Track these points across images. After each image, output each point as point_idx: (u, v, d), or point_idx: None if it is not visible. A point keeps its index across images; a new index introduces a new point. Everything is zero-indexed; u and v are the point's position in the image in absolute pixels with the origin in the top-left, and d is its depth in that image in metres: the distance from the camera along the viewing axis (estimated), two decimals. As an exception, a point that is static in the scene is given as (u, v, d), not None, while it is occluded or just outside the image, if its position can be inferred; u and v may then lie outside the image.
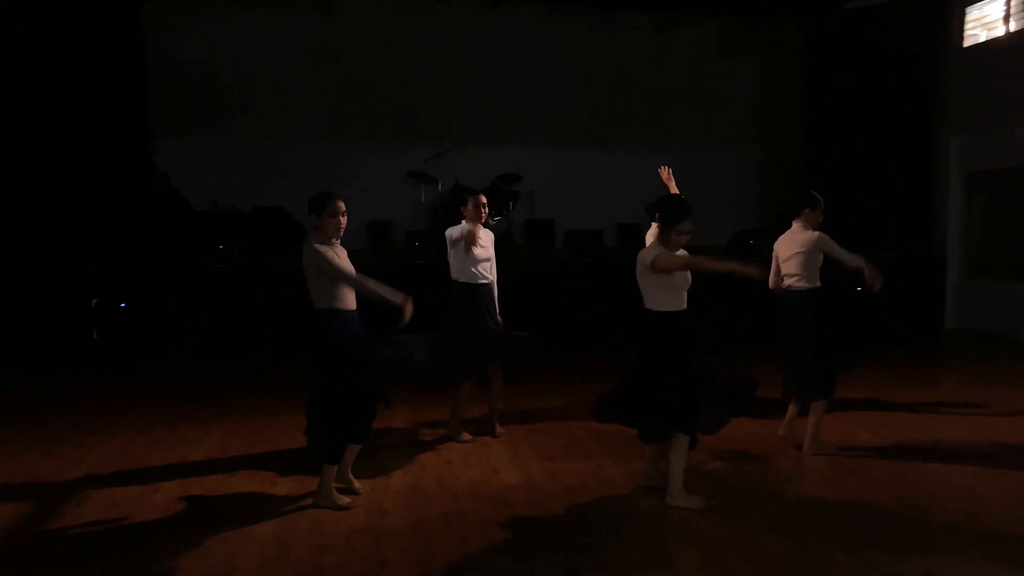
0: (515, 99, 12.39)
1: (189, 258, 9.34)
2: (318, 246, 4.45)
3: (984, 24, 11.02)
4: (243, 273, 8.61)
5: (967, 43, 11.10)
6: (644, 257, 4.44)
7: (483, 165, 12.06)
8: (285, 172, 12.03)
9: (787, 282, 5.50)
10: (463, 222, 5.75)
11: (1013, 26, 10.49)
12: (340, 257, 4.53)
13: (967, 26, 11.14)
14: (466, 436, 5.85)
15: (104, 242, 9.11)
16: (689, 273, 4.46)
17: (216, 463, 5.36)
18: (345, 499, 4.57)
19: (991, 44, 10.78)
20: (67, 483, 4.98)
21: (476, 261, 5.66)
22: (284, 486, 4.91)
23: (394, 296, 4.40)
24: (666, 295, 4.42)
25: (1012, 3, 10.48)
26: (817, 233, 5.43)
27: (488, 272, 5.77)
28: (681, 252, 4.50)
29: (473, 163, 12.01)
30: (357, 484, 4.76)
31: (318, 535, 4.20)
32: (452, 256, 5.73)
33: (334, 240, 4.56)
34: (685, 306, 4.50)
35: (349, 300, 4.49)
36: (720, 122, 12.82)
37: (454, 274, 5.73)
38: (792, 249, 5.45)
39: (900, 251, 10.61)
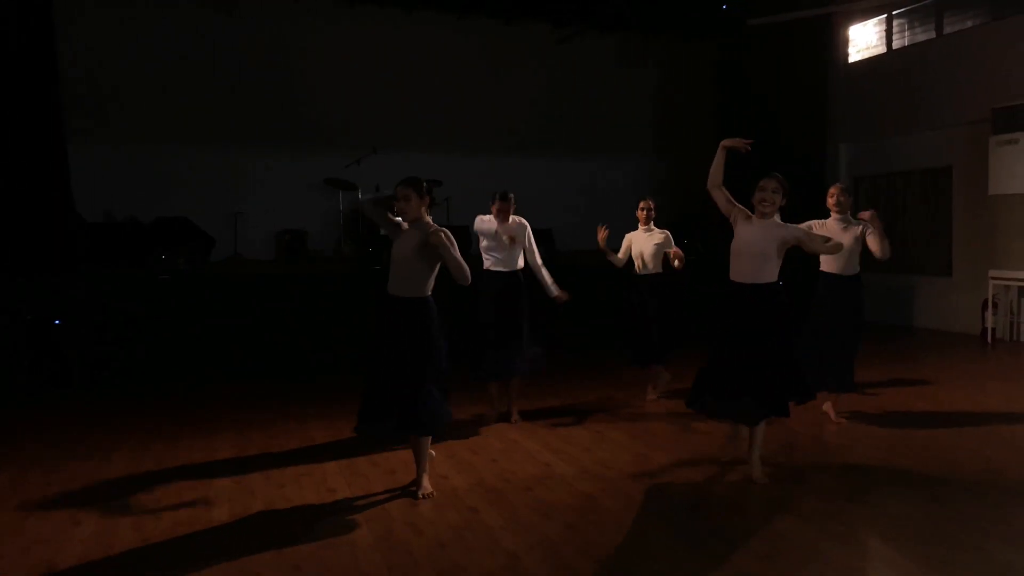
0: (430, 106, 12.31)
1: (128, 271, 8.59)
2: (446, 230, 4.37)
3: (867, 44, 12.15)
4: (191, 282, 8.01)
5: (852, 59, 12.20)
6: (786, 231, 4.60)
7: (404, 172, 11.82)
8: (186, 181, 11.34)
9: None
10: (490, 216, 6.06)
11: (894, 44, 11.63)
12: None
13: (852, 44, 12.24)
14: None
15: (32, 256, 8.19)
16: None
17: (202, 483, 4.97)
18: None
19: (871, 61, 11.91)
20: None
21: (496, 249, 6.16)
22: (305, 493, 4.63)
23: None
24: (777, 267, 4.64)
25: (892, 24, 11.63)
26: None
27: (511, 262, 6.19)
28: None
29: (394, 169, 11.74)
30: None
31: (423, 535, 4.01)
32: (482, 248, 6.16)
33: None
34: None
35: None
36: (623, 132, 13.32)
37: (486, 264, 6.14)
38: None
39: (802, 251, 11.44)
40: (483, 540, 3.96)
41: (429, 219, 4.62)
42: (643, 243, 6.76)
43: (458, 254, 4.38)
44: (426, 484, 4.57)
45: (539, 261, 6.26)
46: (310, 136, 11.67)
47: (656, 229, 6.77)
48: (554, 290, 6.23)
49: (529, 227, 6.26)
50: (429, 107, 12.33)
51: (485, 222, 6.18)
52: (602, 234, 6.41)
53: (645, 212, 6.79)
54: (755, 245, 4.62)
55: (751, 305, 4.60)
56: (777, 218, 4.73)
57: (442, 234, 4.34)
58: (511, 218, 6.16)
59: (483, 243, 6.22)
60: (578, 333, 9.78)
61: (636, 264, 6.79)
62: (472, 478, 4.92)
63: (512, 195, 6.17)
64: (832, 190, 5.89)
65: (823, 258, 5.85)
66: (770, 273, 4.62)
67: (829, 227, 5.84)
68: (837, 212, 5.85)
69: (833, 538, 3.91)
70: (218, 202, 11.42)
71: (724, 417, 4.96)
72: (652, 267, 6.71)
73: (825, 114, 12.20)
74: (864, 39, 12.17)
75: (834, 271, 5.88)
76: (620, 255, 6.78)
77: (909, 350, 9.71)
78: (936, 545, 3.82)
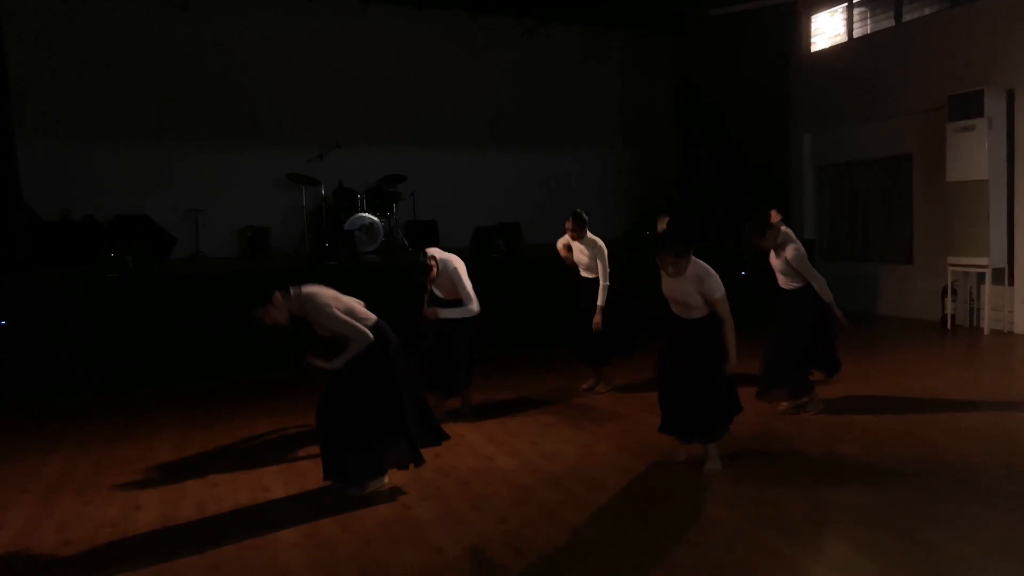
0: (393, 99, 12.23)
1: (77, 270, 8.45)
2: None
3: (827, 32, 12.15)
4: (139, 282, 7.89)
5: (814, 49, 12.21)
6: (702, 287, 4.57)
7: (367, 167, 11.82)
8: (147, 179, 11.20)
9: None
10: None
11: (855, 33, 11.64)
12: None
13: (813, 33, 12.25)
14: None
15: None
16: None
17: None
18: None
19: (833, 50, 11.92)
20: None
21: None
22: (276, 492, 4.58)
23: None
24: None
25: (853, 12, 11.64)
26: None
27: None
28: None
29: (357, 165, 11.74)
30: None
31: (350, 531, 3.97)
32: None
33: None
34: None
35: None
36: (588, 126, 13.27)
37: None
38: None
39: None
40: (410, 535, 3.92)
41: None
42: (578, 254, 6.77)
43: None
44: None
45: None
46: (271, 132, 11.56)
47: (590, 239, 6.66)
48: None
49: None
50: (392, 101, 12.24)
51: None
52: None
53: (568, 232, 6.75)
54: (678, 295, 4.65)
55: (686, 337, 4.66)
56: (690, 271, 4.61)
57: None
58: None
59: None
60: (540, 326, 9.71)
61: (580, 268, 6.78)
62: (410, 473, 4.87)
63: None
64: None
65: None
66: (700, 311, 4.63)
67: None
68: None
69: (763, 523, 3.90)
70: (179, 200, 11.30)
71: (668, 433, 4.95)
72: (593, 274, 6.66)
73: (787, 104, 12.21)
74: (825, 28, 12.18)
75: (781, 285, 5.92)
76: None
77: (868, 337, 9.73)
78: (868, 528, 3.82)
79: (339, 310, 4.31)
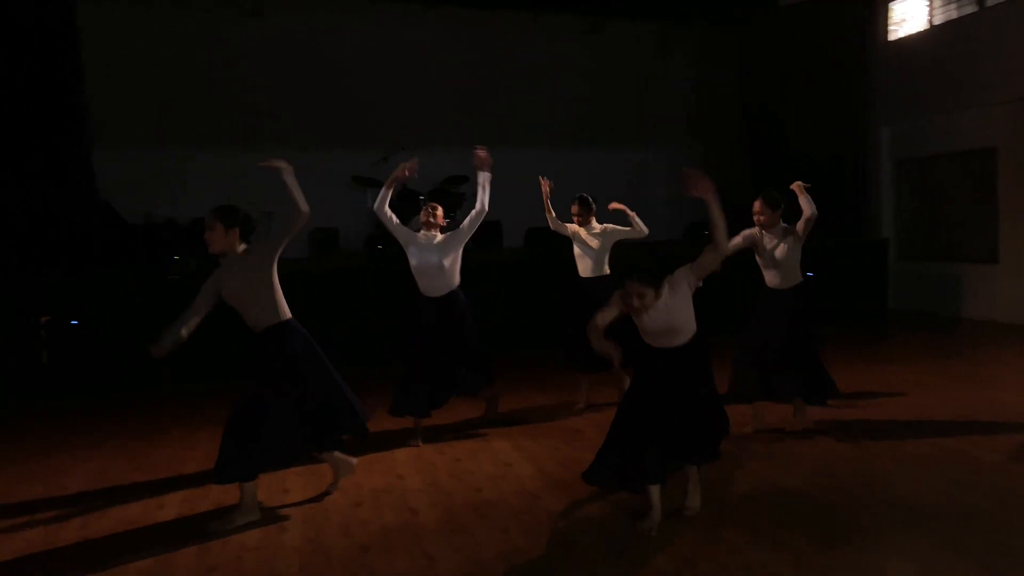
0: (457, 101, 12.30)
1: (142, 271, 8.89)
2: None
3: (907, 20, 11.57)
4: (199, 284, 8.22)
5: (891, 37, 11.64)
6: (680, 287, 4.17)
7: (430, 168, 11.91)
8: (221, 182, 11.59)
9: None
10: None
11: (936, 20, 11.05)
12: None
13: (892, 21, 11.68)
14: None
15: (49, 258, 8.57)
16: None
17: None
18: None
19: (913, 38, 11.34)
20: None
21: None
22: (297, 492, 4.70)
23: None
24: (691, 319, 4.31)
25: (933, -1, 11.06)
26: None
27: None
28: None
29: (420, 166, 11.82)
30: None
31: (354, 537, 4.04)
32: None
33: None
34: None
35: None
36: (664, 119, 13.00)
37: None
38: None
39: (844, 237, 11.02)
40: (408, 543, 3.96)
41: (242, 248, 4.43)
42: (583, 245, 6.54)
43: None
44: None
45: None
46: (339, 134, 11.80)
47: (596, 226, 6.49)
48: None
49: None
50: (456, 102, 12.30)
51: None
52: (546, 187, 6.56)
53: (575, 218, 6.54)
54: (661, 324, 4.08)
55: (673, 366, 4.12)
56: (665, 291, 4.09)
57: None
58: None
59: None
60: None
61: (579, 266, 6.51)
62: (428, 478, 4.93)
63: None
64: (755, 205, 5.58)
65: (765, 273, 5.58)
66: (686, 333, 4.14)
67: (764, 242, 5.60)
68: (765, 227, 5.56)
69: (770, 545, 3.77)
70: (253, 203, 11.66)
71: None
72: (597, 273, 6.44)
73: (864, 96, 11.67)
74: (905, 15, 11.59)
75: (773, 286, 5.59)
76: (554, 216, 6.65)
77: (947, 342, 9.24)
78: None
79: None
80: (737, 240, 5.43)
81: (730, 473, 4.77)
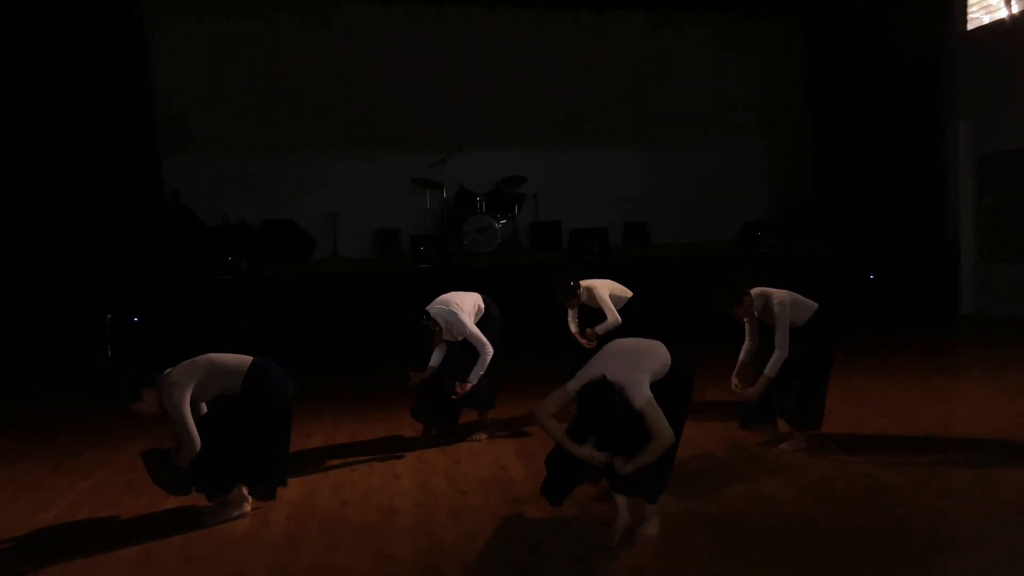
0: (517, 102, 12.39)
1: (200, 271, 9.40)
2: None
3: (986, 7, 10.94)
4: (249, 284, 8.66)
5: (970, 26, 11.03)
6: None
7: (487, 169, 12.11)
8: (292, 184, 12.12)
9: None
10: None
11: (1015, 7, 10.40)
12: None
13: (970, 9, 11.07)
14: None
15: (119, 259, 9.18)
16: None
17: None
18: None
19: (994, 26, 10.70)
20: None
21: None
22: (294, 490, 4.91)
23: None
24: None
25: (1014, -16, 10.41)
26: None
27: None
28: None
29: (477, 167, 12.05)
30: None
31: (328, 534, 4.21)
32: None
33: None
34: None
35: None
36: (724, 116, 12.72)
37: None
38: None
39: (913, 237, 10.54)
40: (376, 542, 4.09)
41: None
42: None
43: None
44: None
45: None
46: (401, 137, 12.07)
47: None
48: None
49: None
50: (516, 103, 12.40)
51: None
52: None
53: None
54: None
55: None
56: None
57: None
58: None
59: None
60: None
61: None
62: (421, 479, 5.06)
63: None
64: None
65: None
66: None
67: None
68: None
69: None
70: (320, 204, 12.13)
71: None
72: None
73: (940, 88, 11.09)
74: (984, 2, 10.94)
75: None
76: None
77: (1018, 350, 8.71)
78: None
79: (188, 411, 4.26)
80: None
81: (720, 485, 4.71)
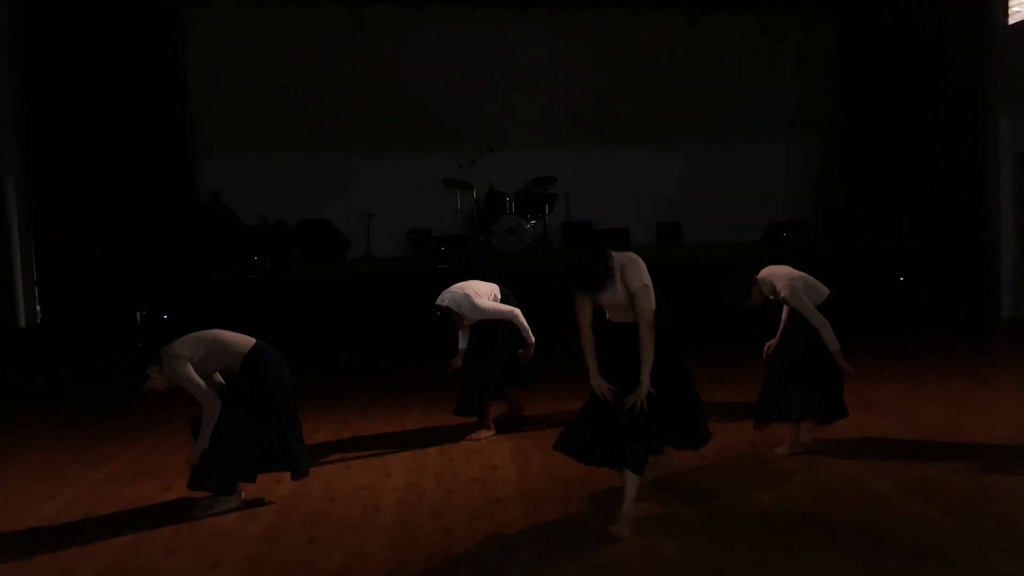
0: (548, 102, 12.43)
1: (227, 271, 9.69)
2: None
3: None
4: (274, 284, 8.90)
5: (1012, 20, 10.67)
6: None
7: (518, 169, 12.16)
8: (328, 185, 12.36)
9: None
10: None
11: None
12: None
13: (1011, 2, 10.70)
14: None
15: (155, 259, 9.52)
16: None
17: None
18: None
19: (1036, 20, 10.35)
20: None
21: None
22: (286, 485, 5.05)
23: None
24: None
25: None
26: None
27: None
28: None
29: (508, 167, 12.12)
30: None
31: (308, 530, 4.34)
32: None
33: None
34: None
35: None
36: (758, 115, 12.56)
37: None
38: None
39: (950, 239, 10.25)
40: (354, 539, 4.20)
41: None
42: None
43: None
44: None
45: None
46: (434, 138, 12.23)
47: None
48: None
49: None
50: (550, 103, 12.43)
51: None
52: None
53: None
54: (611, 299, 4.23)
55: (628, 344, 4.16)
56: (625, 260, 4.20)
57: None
58: None
59: None
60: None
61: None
62: (412, 477, 5.16)
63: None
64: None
65: None
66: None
67: None
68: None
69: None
70: (355, 205, 12.35)
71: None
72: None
73: (979, 85, 10.73)
74: (1026, -4, 10.58)
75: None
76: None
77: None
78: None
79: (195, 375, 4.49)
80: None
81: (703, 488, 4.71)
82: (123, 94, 9.73)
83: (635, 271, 4.12)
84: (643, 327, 4.06)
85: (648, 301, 4.09)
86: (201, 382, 4.50)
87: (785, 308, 5.32)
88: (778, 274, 5.12)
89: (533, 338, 5.86)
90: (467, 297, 5.72)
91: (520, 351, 5.90)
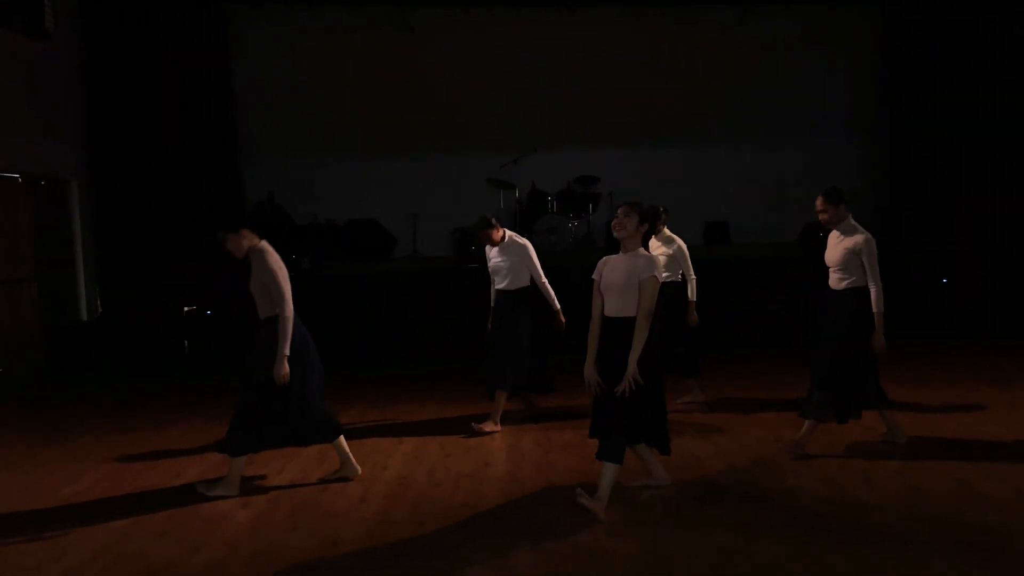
0: (594, 101, 12.46)
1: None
2: None
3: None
4: (311, 281, 9.24)
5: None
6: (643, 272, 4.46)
7: (560, 168, 12.23)
8: (374, 185, 12.68)
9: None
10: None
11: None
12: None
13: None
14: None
15: (204, 256, 10.01)
16: None
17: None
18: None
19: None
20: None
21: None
22: (285, 476, 5.30)
23: None
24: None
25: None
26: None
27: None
28: None
29: (551, 167, 12.20)
30: None
31: (293, 518, 4.56)
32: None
33: None
34: None
35: None
36: (805, 114, 12.34)
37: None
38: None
39: (1002, 239, 9.88)
40: (333, 528, 4.39)
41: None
42: (655, 251, 6.53)
43: None
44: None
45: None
46: (479, 138, 12.41)
47: (673, 236, 6.52)
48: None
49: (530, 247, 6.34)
50: (596, 102, 12.46)
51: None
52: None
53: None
54: (615, 281, 4.47)
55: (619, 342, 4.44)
56: (642, 250, 4.50)
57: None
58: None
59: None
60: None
61: None
62: (406, 471, 5.34)
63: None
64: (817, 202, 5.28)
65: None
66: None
67: (829, 240, 5.33)
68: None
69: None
70: (402, 204, 12.63)
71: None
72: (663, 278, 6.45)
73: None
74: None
75: (829, 285, 5.32)
76: None
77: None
78: None
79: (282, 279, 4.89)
80: None
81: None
82: (177, 102, 10.27)
83: (650, 262, 4.42)
84: (640, 317, 4.35)
85: (652, 294, 4.35)
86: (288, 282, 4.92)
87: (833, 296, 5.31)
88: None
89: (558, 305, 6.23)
90: (528, 248, 6.19)
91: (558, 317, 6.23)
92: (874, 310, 5.08)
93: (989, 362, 8.12)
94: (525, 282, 6.24)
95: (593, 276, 4.65)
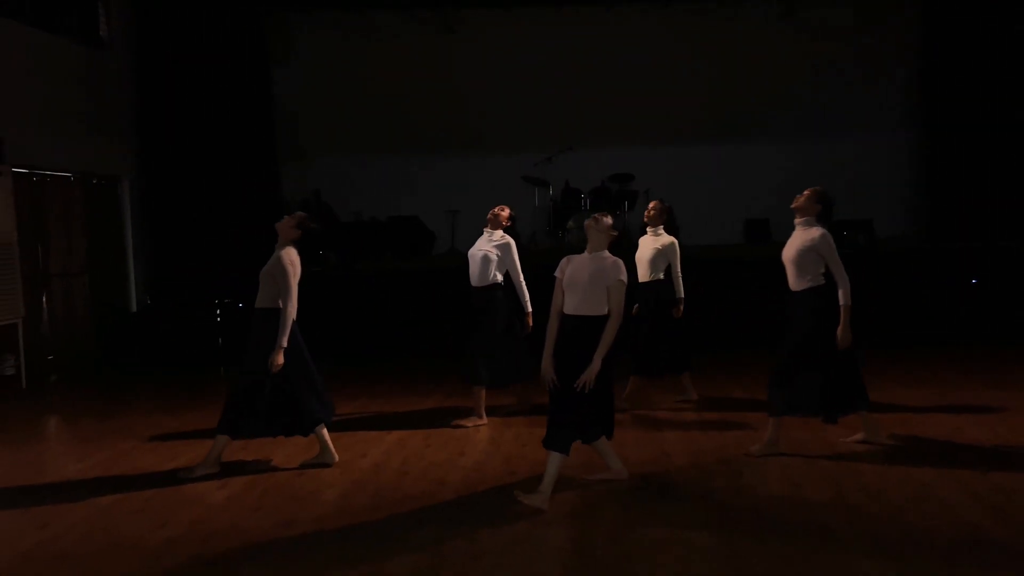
0: (632, 99, 12.49)
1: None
2: None
3: None
4: (337, 277, 9.60)
5: None
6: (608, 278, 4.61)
7: (596, 166, 12.28)
8: (417, 183, 12.98)
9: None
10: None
11: None
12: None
13: None
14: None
15: (240, 253, 10.48)
16: None
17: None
18: None
19: None
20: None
21: None
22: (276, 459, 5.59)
23: None
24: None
25: None
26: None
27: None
28: None
29: (584, 165, 12.27)
30: None
31: (261, 500, 4.83)
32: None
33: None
34: None
35: None
36: (844, 110, 12.12)
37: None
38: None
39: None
40: (292, 510, 4.63)
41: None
42: (646, 247, 6.57)
43: None
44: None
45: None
46: (517, 136, 12.58)
47: (664, 233, 6.53)
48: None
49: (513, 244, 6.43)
50: (636, 100, 12.49)
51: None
52: None
53: (654, 212, 6.57)
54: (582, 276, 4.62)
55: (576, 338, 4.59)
56: (607, 252, 4.69)
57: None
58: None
59: None
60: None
61: (638, 271, 6.56)
62: (382, 460, 5.55)
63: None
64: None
65: None
66: (599, 306, 4.58)
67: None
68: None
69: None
70: (443, 201, 12.89)
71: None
72: (651, 275, 6.49)
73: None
74: None
75: (788, 285, 5.28)
76: None
77: None
78: None
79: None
80: None
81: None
82: (222, 106, 10.78)
83: (617, 265, 4.61)
84: (612, 318, 4.54)
85: (621, 296, 4.57)
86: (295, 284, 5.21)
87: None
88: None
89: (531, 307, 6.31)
90: (511, 246, 6.34)
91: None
92: (841, 303, 5.01)
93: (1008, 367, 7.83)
94: (498, 278, 6.32)
95: (556, 273, 4.79)
